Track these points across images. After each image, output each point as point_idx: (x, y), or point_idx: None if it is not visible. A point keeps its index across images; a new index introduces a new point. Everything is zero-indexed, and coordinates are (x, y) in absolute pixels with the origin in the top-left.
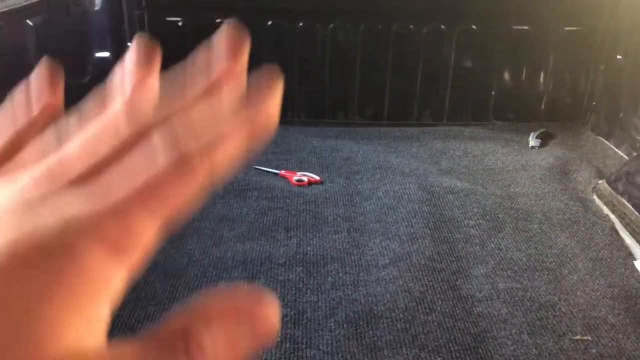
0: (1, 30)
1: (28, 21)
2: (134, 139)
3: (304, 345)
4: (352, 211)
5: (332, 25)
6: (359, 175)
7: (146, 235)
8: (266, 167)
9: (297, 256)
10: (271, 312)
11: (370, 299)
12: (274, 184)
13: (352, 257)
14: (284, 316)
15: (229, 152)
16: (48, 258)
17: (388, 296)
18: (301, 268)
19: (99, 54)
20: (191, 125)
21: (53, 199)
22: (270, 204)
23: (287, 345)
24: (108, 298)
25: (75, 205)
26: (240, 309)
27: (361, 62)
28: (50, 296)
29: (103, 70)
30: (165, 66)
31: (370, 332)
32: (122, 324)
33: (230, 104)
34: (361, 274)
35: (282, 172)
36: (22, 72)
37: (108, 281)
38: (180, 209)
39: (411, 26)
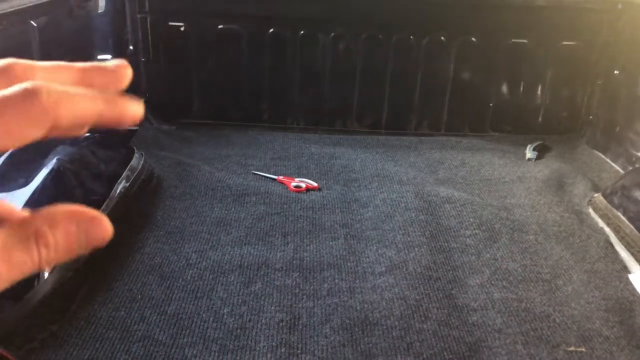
0: (5, 31)
1: (32, 22)
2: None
3: (299, 351)
4: (349, 218)
5: (333, 34)
6: (356, 182)
7: None
8: (264, 173)
9: (294, 262)
10: (103, 224)
11: (366, 306)
12: (272, 189)
13: (349, 264)
14: (279, 321)
15: (75, 107)
16: None
17: (384, 304)
18: (298, 274)
19: (101, 57)
20: (50, 85)
21: None
22: (268, 210)
23: (283, 350)
24: None
25: None
26: (80, 218)
27: (361, 71)
28: None
29: None
30: (169, 69)
31: (366, 339)
32: (118, 325)
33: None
34: (357, 281)
35: (280, 177)
36: None
37: None
38: (16, 137)
39: (411, 37)
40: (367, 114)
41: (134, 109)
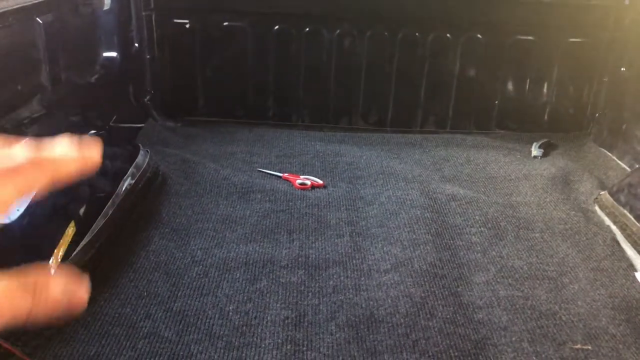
0: (10, 27)
1: (37, 19)
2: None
3: (304, 348)
4: (354, 216)
5: (338, 30)
6: (362, 180)
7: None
8: (270, 170)
9: (299, 259)
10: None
11: (371, 303)
12: (277, 186)
13: (354, 262)
14: (285, 318)
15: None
16: None
17: (389, 301)
18: (303, 271)
19: (106, 54)
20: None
21: None
22: (273, 207)
23: (288, 347)
24: None
25: None
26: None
27: (366, 68)
28: None
29: (110, 70)
30: (174, 66)
31: (371, 336)
32: (124, 321)
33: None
34: (363, 279)
35: (286, 175)
36: (30, 69)
37: None
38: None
39: (417, 34)
40: (373, 111)
41: (95, 157)
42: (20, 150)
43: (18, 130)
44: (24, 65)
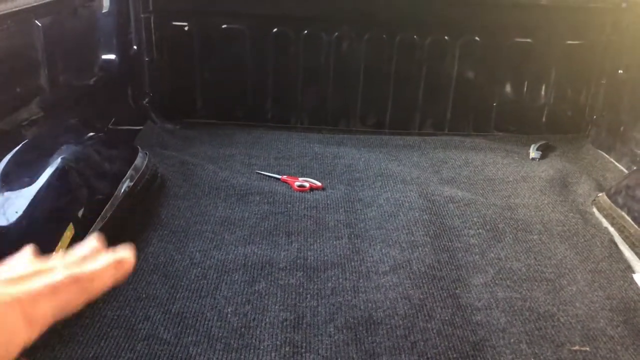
0: (10, 30)
1: (37, 21)
2: None
3: (303, 350)
4: (353, 218)
5: (337, 33)
6: (360, 182)
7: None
8: (268, 172)
9: (298, 261)
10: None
11: (370, 305)
12: (275, 189)
13: (353, 263)
14: (283, 320)
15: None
16: None
17: (388, 303)
18: (302, 273)
19: (105, 56)
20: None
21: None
22: (272, 209)
23: (287, 349)
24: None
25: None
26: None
27: (365, 70)
28: None
29: (109, 72)
30: (173, 68)
31: (370, 338)
32: (123, 323)
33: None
34: (361, 280)
35: (284, 177)
36: (29, 72)
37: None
38: (71, 307)
39: (415, 37)
40: (371, 113)
41: (131, 264)
42: (59, 264)
43: (17, 131)
44: (22, 67)
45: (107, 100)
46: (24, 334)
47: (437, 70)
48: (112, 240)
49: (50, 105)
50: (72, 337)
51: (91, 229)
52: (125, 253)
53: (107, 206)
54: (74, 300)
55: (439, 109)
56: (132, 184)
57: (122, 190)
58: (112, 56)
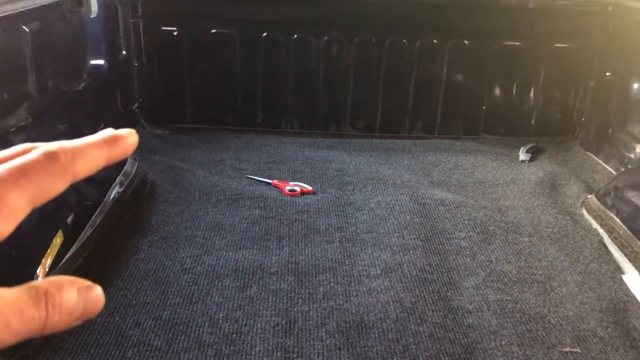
0: None
1: (24, 27)
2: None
3: (294, 355)
4: (344, 222)
5: (326, 37)
6: (351, 186)
7: (17, 207)
8: (259, 177)
9: (289, 265)
10: (98, 292)
11: (361, 309)
12: (266, 193)
13: (344, 267)
14: (275, 325)
15: (89, 161)
16: None
17: (379, 306)
18: (293, 277)
19: (93, 62)
20: (63, 144)
21: None
22: (263, 214)
23: (279, 355)
24: None
25: None
26: (80, 285)
27: (354, 74)
28: None
29: (98, 78)
30: (162, 73)
31: (362, 342)
32: (113, 330)
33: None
34: (353, 284)
35: (275, 181)
36: (17, 77)
37: None
38: (47, 191)
39: (404, 40)
40: (361, 117)
41: (132, 140)
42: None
43: (5, 138)
44: (10, 73)
45: (96, 105)
46: None
47: (426, 74)
48: (101, 246)
49: (38, 111)
50: (61, 344)
51: (80, 235)
52: (124, 130)
53: (96, 212)
54: (53, 184)
55: (429, 112)
56: (121, 189)
57: (112, 196)
58: (101, 61)
